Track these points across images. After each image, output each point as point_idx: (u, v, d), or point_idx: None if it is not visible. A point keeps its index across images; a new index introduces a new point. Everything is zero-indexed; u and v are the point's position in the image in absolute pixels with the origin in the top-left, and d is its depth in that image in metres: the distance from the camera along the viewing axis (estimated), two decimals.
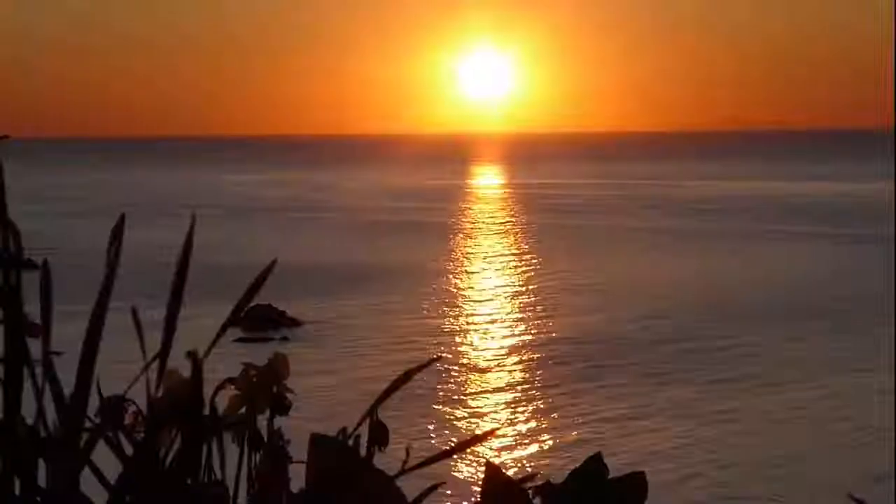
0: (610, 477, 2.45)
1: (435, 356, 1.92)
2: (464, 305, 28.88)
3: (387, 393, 1.89)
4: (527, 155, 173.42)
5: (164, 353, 1.84)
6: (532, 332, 25.30)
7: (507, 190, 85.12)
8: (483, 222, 55.23)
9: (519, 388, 20.12)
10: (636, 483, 2.43)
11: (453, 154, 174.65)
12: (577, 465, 2.47)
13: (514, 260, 39.17)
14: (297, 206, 65.23)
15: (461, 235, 47.80)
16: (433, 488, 2.24)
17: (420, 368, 1.83)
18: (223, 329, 1.87)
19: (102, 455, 2.00)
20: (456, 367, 21.23)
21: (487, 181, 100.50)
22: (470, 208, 64.92)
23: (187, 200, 66.27)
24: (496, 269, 36.68)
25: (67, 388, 1.97)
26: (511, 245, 44.19)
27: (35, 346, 1.99)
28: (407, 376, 1.90)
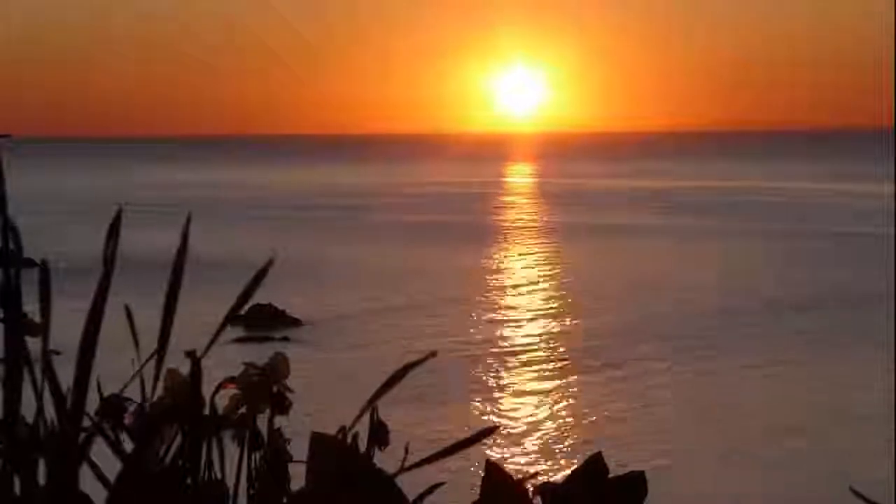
0: (610, 476, 2.45)
1: (431, 352, 1.93)
2: (467, 305, 28.87)
3: (384, 388, 1.88)
4: (556, 153, 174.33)
5: (160, 352, 1.84)
6: (536, 331, 25.31)
7: (537, 187, 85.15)
8: (506, 221, 55.17)
9: (519, 387, 20.14)
10: (636, 482, 2.43)
11: (490, 152, 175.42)
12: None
13: (521, 260, 39.18)
14: (296, 205, 65.27)
15: (468, 235, 47.70)
16: (433, 488, 2.23)
17: (417, 364, 1.83)
18: (221, 328, 1.87)
19: (102, 454, 2.00)
20: (455, 365, 21.22)
21: (518, 179, 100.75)
22: (493, 206, 64.77)
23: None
24: (503, 270, 36.68)
25: (67, 387, 1.96)
26: (521, 245, 44.20)
27: (35, 346, 1.98)
28: (404, 371, 1.89)
